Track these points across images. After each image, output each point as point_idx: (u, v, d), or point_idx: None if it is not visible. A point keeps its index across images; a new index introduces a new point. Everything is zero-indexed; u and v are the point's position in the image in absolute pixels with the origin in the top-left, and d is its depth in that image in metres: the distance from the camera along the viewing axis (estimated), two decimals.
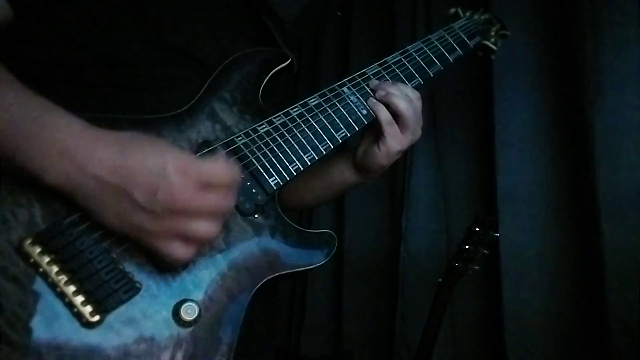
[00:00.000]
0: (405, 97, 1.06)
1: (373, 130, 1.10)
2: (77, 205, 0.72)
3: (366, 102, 1.06)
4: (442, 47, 1.21)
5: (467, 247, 1.77)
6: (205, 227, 0.73)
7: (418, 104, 1.09)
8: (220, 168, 0.74)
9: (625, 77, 1.90)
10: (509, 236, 2.11)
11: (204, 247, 0.80)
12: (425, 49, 1.18)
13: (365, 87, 1.07)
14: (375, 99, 1.07)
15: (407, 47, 1.17)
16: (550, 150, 2.14)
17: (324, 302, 2.84)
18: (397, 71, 1.12)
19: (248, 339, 0.84)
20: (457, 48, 1.25)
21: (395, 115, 1.06)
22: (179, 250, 0.73)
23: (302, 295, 2.89)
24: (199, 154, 0.86)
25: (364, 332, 2.68)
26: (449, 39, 1.25)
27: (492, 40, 1.38)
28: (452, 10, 1.37)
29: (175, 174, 0.69)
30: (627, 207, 1.88)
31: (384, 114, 1.05)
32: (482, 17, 1.39)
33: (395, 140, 1.07)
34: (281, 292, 3.01)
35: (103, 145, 0.71)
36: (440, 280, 1.82)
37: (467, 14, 1.37)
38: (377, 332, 2.64)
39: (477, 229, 1.77)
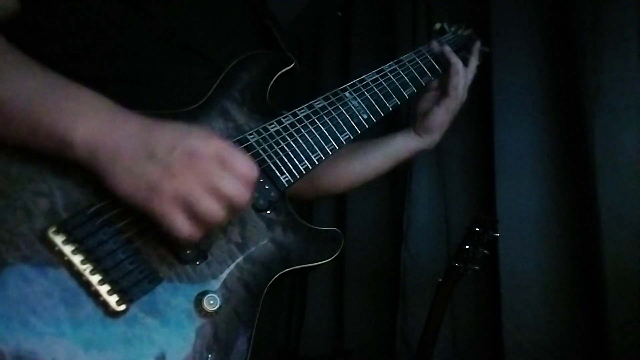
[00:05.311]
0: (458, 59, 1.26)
1: (431, 92, 1.29)
2: (96, 167, 0.71)
3: (374, 103, 1.10)
4: (432, 59, 1.28)
5: (467, 247, 1.77)
6: (213, 207, 0.71)
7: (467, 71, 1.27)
8: (246, 158, 0.75)
9: (625, 77, 1.92)
10: (509, 236, 2.12)
11: (219, 238, 0.81)
12: (418, 60, 1.24)
13: (365, 92, 1.11)
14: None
15: (401, 58, 1.23)
16: (549, 150, 2.15)
17: (324, 302, 2.85)
18: (393, 79, 1.16)
19: (255, 338, 0.84)
20: None
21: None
22: (183, 224, 0.70)
23: (302, 295, 2.89)
24: None
25: (364, 332, 2.68)
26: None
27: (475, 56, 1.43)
28: (438, 25, 1.43)
29: (198, 137, 0.72)
30: (628, 208, 1.89)
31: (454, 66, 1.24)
32: (466, 32, 1.45)
33: (452, 92, 1.24)
34: (281, 292, 3.02)
35: (135, 115, 0.75)
36: (440, 280, 1.83)
37: (453, 28, 1.43)
38: (377, 332, 2.65)
39: (477, 229, 1.77)
